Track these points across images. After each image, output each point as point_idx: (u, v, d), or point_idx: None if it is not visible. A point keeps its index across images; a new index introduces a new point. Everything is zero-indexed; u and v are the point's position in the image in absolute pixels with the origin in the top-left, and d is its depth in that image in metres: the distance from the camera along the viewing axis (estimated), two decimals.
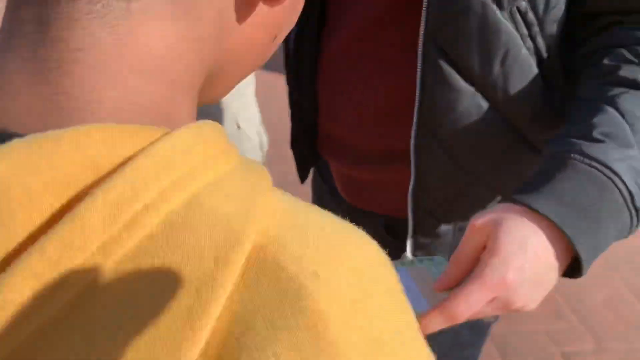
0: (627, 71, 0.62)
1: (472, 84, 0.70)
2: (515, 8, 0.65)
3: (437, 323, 0.54)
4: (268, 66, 4.24)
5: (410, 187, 0.77)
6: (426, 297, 0.57)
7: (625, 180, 0.56)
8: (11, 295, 0.20)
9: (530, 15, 0.66)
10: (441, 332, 0.93)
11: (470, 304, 0.52)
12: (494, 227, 0.55)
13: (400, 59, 0.74)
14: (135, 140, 0.23)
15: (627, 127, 0.58)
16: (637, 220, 0.58)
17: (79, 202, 0.21)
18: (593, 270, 2.32)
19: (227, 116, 1.71)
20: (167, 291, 0.21)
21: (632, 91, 0.61)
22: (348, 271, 0.22)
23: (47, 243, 0.20)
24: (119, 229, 0.21)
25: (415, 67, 0.71)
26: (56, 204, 0.21)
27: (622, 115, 0.59)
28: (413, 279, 0.60)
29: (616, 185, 0.56)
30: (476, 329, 0.95)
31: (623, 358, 1.89)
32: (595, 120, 0.59)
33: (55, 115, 0.24)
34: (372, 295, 0.22)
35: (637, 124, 0.59)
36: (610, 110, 0.60)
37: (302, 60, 0.89)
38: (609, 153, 0.57)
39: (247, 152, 1.79)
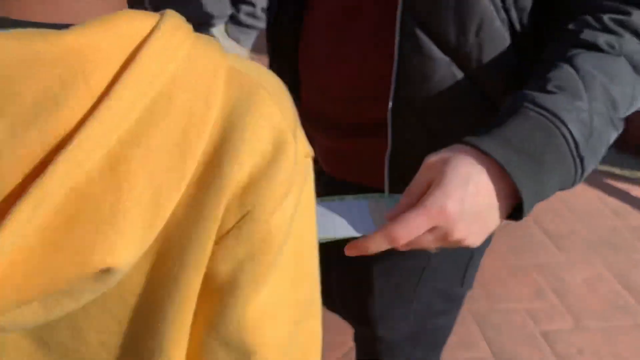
0: (587, 35, 0.65)
1: (447, 54, 0.72)
2: None
3: (378, 243, 0.58)
4: (260, 49, 4.24)
5: (387, 156, 0.80)
6: (377, 227, 0.61)
7: (572, 128, 0.59)
8: (114, 106, 0.35)
9: None
10: (416, 302, 0.97)
11: (410, 228, 0.56)
12: (443, 164, 0.59)
13: (379, 30, 0.77)
14: (148, 20, 0.38)
15: (579, 82, 0.61)
16: (582, 170, 0.61)
17: (137, 55, 0.37)
18: (574, 250, 2.37)
19: None
20: (186, 98, 0.38)
21: (589, 52, 0.64)
22: (275, 82, 0.45)
23: (121, 87, 0.36)
24: (160, 69, 0.37)
25: (394, 38, 0.74)
26: (124, 56, 0.37)
27: (577, 72, 0.62)
28: (370, 212, 0.64)
29: (562, 133, 0.59)
30: (449, 298, 0.99)
31: (601, 336, 1.94)
32: (550, 75, 0.63)
33: (58, 12, 0.38)
34: (285, 97, 0.44)
35: (589, 79, 0.61)
36: (566, 67, 0.63)
37: (284, 32, 0.91)
38: (559, 103, 0.60)
39: None
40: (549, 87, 0.61)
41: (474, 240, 0.60)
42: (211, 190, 0.39)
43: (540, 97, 0.61)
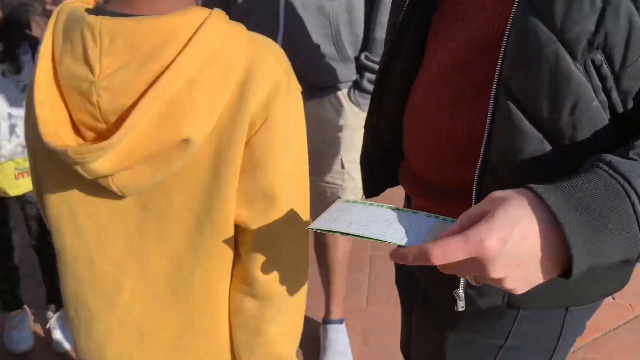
0: None
1: (539, 129, 0.71)
2: (589, 60, 0.66)
3: (415, 256, 0.59)
4: None
5: None
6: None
7: None
8: (187, 56, 0.70)
9: (605, 69, 0.67)
10: None
11: (445, 251, 0.57)
12: (501, 201, 0.59)
13: (475, 100, 0.79)
14: (205, 12, 0.72)
15: None
16: None
17: (199, 30, 0.70)
18: None
19: (333, 155, 1.82)
20: (226, 54, 0.73)
21: None
22: (276, 47, 0.80)
23: (191, 46, 0.70)
24: (211, 37, 0.71)
25: (487, 108, 0.75)
26: (193, 29, 0.70)
27: None
28: (430, 230, 0.66)
29: (631, 200, 0.57)
30: None
31: None
32: (636, 143, 0.61)
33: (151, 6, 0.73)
34: (281, 55, 0.80)
35: None
36: None
37: (391, 89, 0.96)
38: (635, 170, 0.58)
39: (348, 189, 1.89)
40: (631, 154, 0.60)
41: (514, 284, 0.59)
42: (242, 105, 0.73)
43: (617, 161, 0.59)
